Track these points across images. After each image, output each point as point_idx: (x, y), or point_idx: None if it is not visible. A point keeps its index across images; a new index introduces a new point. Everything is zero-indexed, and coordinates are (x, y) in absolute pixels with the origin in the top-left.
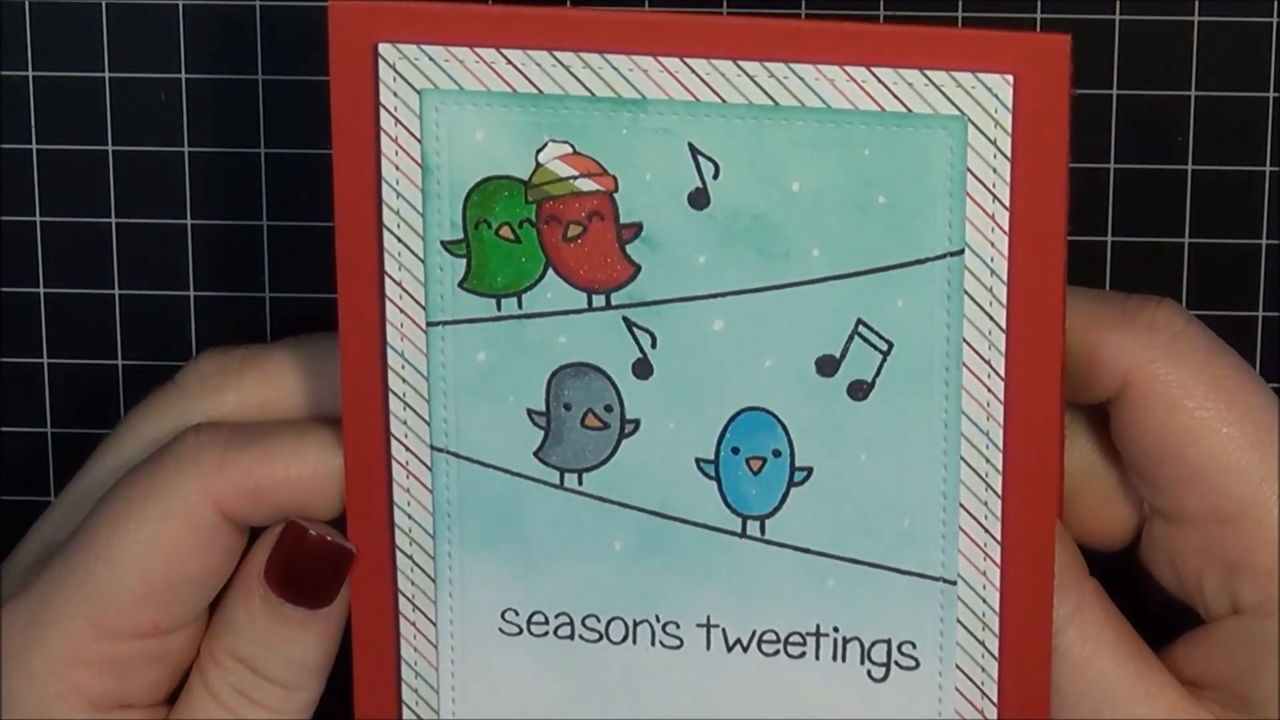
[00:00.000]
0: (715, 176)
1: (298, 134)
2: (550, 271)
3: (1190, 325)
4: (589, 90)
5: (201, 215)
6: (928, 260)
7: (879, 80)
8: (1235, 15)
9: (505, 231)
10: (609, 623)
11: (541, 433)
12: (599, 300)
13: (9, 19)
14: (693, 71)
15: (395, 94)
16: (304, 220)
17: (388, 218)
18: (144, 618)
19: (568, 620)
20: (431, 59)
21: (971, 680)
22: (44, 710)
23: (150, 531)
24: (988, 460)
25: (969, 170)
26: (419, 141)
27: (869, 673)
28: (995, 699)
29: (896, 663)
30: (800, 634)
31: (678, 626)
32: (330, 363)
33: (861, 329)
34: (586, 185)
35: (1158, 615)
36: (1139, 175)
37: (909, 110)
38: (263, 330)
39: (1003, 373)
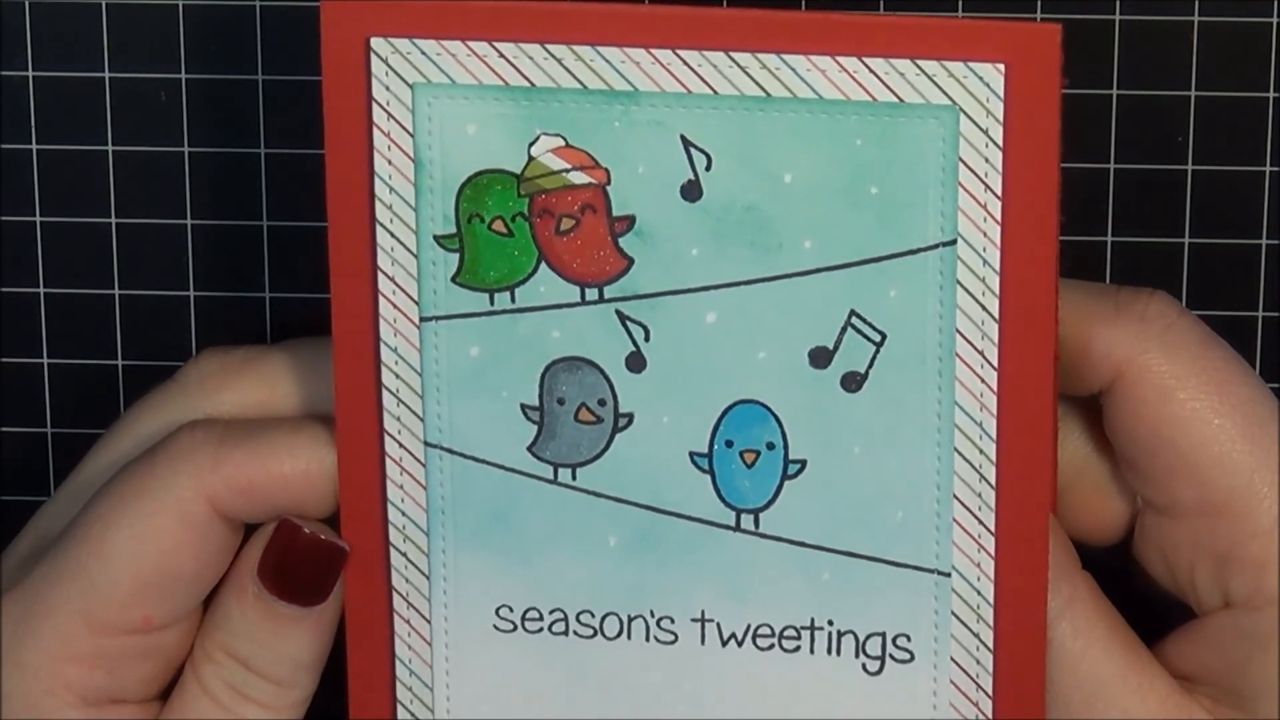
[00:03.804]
0: (707, 168)
1: (298, 134)
2: (543, 265)
3: (1183, 317)
4: (581, 83)
5: (201, 215)
6: (920, 250)
7: (871, 70)
8: (1235, 15)
9: (498, 225)
10: (603, 618)
11: (535, 427)
12: (592, 294)
13: (9, 19)
14: (684, 63)
15: (387, 88)
16: (304, 220)
17: (380, 212)
18: (136, 613)
19: (562, 616)
20: (423, 53)
21: (966, 673)
22: (35, 705)
23: (143, 527)
24: (981, 451)
25: (961, 160)
26: (411, 136)
27: (864, 666)
28: (990, 692)
29: (891, 656)
30: (795, 628)
31: (672, 621)
32: (329, 365)
33: (854, 320)
34: (579, 178)
35: (1151, 610)
36: (1139, 175)
37: (901, 100)
38: (263, 330)
39: (995, 363)
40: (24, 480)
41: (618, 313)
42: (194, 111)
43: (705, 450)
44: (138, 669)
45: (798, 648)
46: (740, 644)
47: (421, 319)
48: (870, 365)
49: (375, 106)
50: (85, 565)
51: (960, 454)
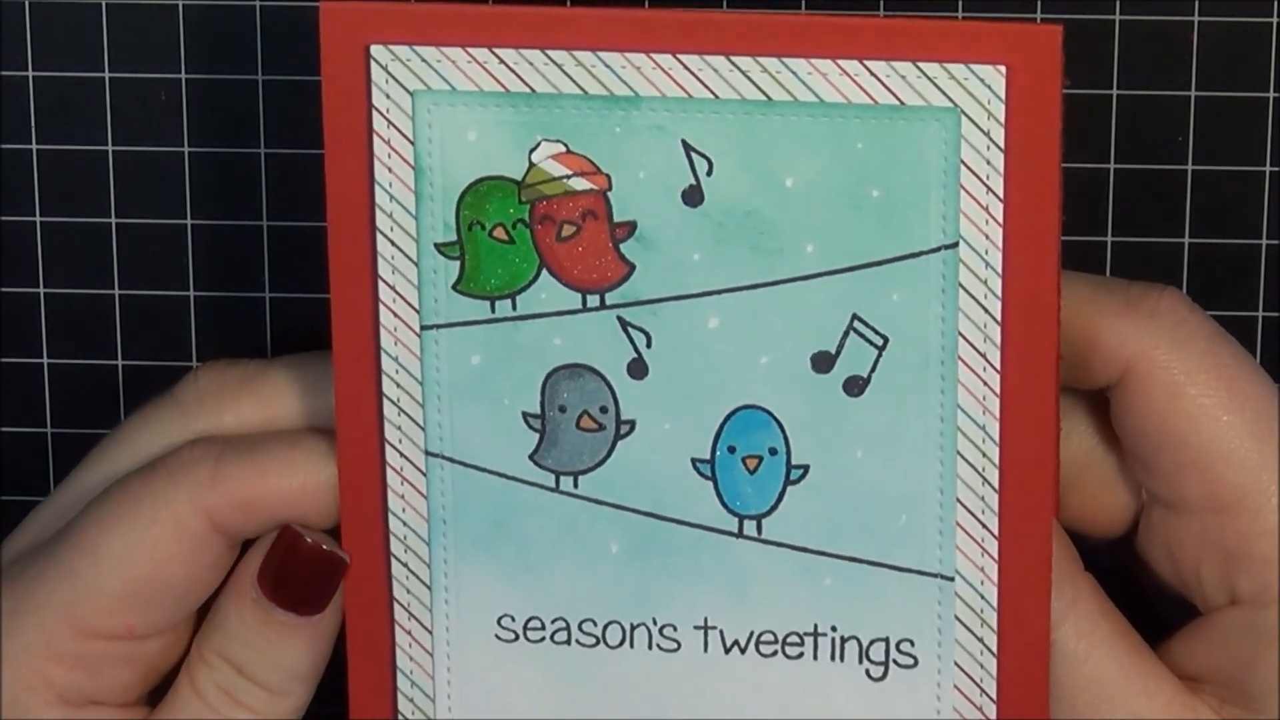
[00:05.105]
0: (709, 173)
1: (298, 134)
2: (544, 272)
3: (1193, 313)
4: (581, 88)
5: (201, 215)
6: (922, 254)
7: (871, 73)
8: (1235, 15)
9: (499, 232)
10: (606, 627)
11: (537, 435)
12: (593, 300)
13: (9, 19)
14: (685, 67)
15: (387, 95)
16: (304, 220)
17: (381, 221)
18: (120, 620)
19: (564, 625)
20: (424, 59)
21: (971, 678)
22: (15, 699)
23: (138, 537)
24: (984, 454)
25: (962, 162)
26: (411, 143)
27: (867, 672)
28: (994, 696)
29: (895, 661)
30: (798, 634)
31: (675, 629)
32: (329, 383)
33: (857, 324)
34: (580, 184)
35: (1154, 612)
36: (1139, 175)
37: (902, 103)
38: (263, 330)
39: (998, 366)
40: (24, 480)
41: (619, 319)
42: (194, 111)
43: (707, 456)
44: (118, 674)
45: (801, 654)
46: (743, 651)
47: (422, 327)
48: (873, 369)
49: (375, 114)
50: (76, 567)
51: (963, 457)
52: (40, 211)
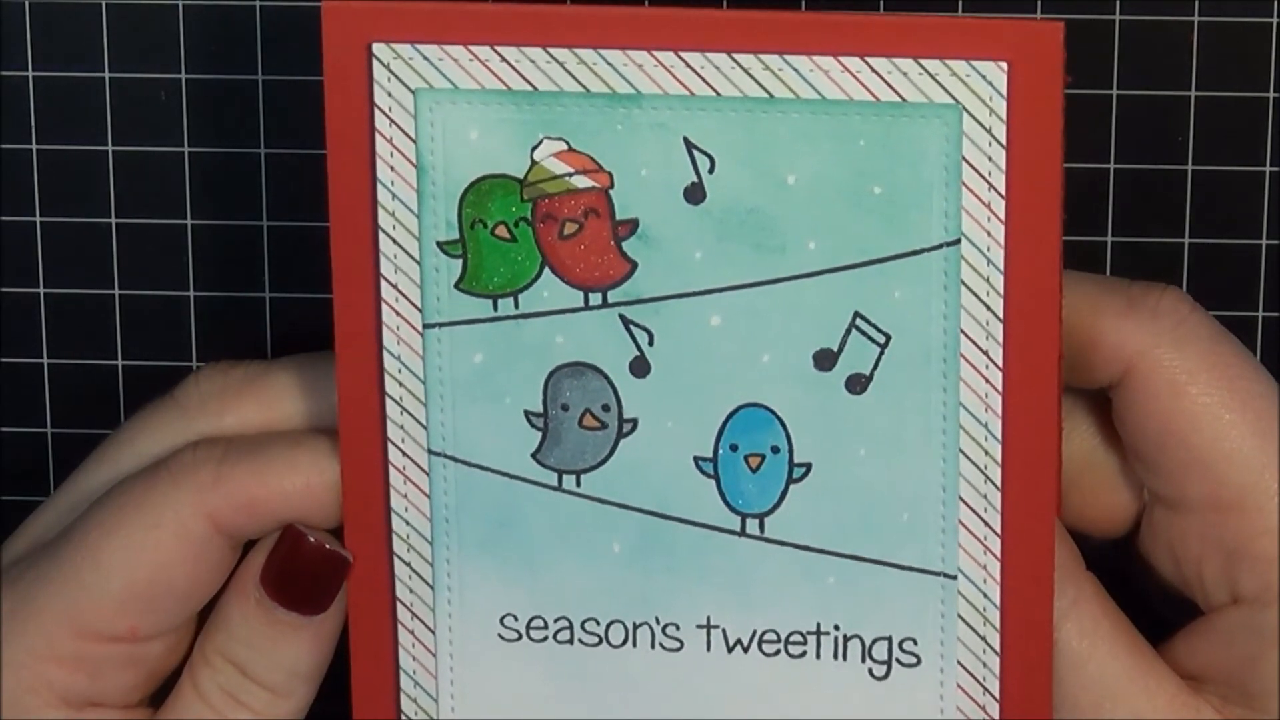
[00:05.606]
0: (711, 171)
1: (298, 134)
2: (546, 270)
3: (1195, 312)
4: (584, 86)
5: (201, 215)
6: (924, 251)
7: (873, 70)
8: (1235, 15)
9: (501, 231)
10: (609, 626)
11: (539, 434)
12: (595, 298)
13: (9, 19)
14: (687, 65)
15: (389, 94)
16: (304, 220)
17: (383, 219)
18: (122, 623)
19: (567, 624)
20: (426, 58)
21: (974, 676)
22: (16, 701)
23: (140, 539)
24: (986, 452)
25: (965, 159)
26: (414, 141)
27: (870, 671)
28: (997, 695)
29: (898, 660)
30: (801, 633)
31: (678, 628)
32: (331, 384)
33: (859, 322)
34: (582, 182)
35: (1156, 612)
36: (1139, 175)
37: (904, 100)
38: (263, 330)
39: (1000, 363)
40: (24, 480)
41: (621, 317)
42: (194, 111)
43: (710, 455)
44: (120, 676)
45: (803, 653)
46: (746, 650)
47: (425, 326)
48: (875, 367)
49: (377, 112)
50: (78, 570)
51: (965, 455)
52: (40, 211)
